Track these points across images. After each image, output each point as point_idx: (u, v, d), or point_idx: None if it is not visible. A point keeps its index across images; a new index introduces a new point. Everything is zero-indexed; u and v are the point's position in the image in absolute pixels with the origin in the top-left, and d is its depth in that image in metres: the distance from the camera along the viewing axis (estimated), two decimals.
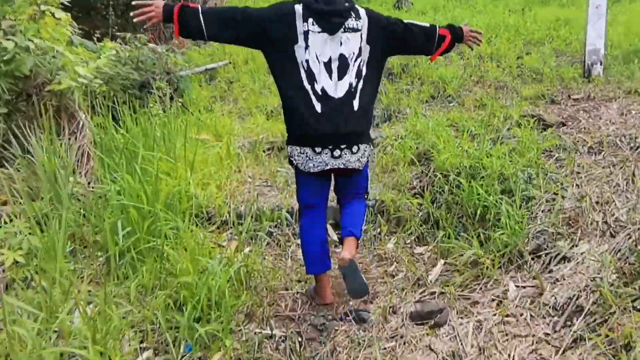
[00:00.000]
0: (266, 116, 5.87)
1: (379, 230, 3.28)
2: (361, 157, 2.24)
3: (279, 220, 3.28)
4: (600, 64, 5.51)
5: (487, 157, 3.35)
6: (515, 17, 9.15)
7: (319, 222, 2.35)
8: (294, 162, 2.24)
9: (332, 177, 2.38)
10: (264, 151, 4.63)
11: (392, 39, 2.27)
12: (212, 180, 3.62)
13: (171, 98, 5.12)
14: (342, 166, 2.19)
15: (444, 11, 10.97)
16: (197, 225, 3.00)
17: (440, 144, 3.75)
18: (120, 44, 5.59)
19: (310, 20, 2.07)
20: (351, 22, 2.13)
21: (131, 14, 2.04)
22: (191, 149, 3.60)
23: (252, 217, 3.14)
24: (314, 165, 2.17)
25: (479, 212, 2.98)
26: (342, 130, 2.12)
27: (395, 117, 5.42)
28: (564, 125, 4.23)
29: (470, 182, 3.16)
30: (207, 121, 5.04)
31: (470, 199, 3.07)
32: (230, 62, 8.01)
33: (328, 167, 2.18)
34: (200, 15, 2.04)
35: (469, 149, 3.55)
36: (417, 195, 3.45)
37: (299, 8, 2.08)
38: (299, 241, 2.76)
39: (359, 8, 2.21)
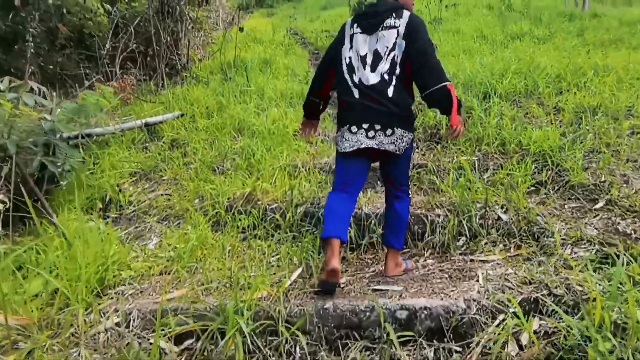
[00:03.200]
0: (210, 222, 2.93)
1: None
2: (396, 141, 2.22)
3: None
4: None
5: None
6: (596, 56, 6.40)
7: (343, 195, 2.28)
8: (337, 146, 2.34)
9: (370, 166, 2.39)
10: None
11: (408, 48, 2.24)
12: None
13: None
14: (375, 146, 2.20)
15: (479, 54, 8.35)
16: None
17: None
18: None
19: (355, 25, 2.35)
20: (389, 21, 2.26)
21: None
22: None
23: None
24: (349, 145, 2.24)
25: None
26: (376, 111, 2.19)
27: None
28: None
29: None
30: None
31: None
32: (182, 115, 5.19)
33: (363, 146, 2.21)
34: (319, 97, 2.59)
35: None
36: None
37: (349, 20, 2.43)
38: None
39: (404, 11, 2.30)
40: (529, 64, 6.27)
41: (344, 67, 2.29)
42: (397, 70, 2.21)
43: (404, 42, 2.20)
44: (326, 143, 4.39)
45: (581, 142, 3.64)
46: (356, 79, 2.24)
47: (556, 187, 3.18)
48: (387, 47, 2.21)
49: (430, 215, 2.90)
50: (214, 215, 3.08)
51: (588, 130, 3.86)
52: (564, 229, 2.59)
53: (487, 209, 2.83)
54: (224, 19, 13.16)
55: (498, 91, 5.39)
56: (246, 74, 6.25)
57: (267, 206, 3.10)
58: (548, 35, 10.62)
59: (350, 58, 2.28)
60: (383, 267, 2.45)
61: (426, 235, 2.82)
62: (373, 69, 2.22)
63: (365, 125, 2.20)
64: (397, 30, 2.21)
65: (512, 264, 2.38)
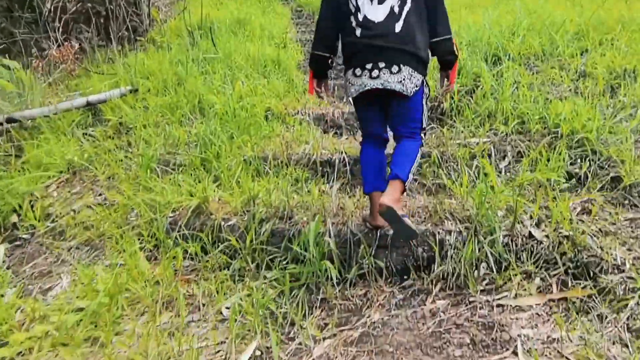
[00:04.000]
0: (145, 250, 2.16)
1: None
2: (404, 80, 2.03)
3: None
4: None
5: None
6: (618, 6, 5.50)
7: (374, 145, 2.24)
8: (348, 94, 2.21)
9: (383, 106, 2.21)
10: None
11: None
12: None
13: None
14: (380, 86, 2.03)
15: (481, 7, 7.40)
16: None
17: None
18: None
19: None
20: None
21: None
22: None
23: None
24: (355, 89, 2.10)
25: None
26: (378, 47, 2.01)
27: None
28: None
29: None
30: None
31: None
32: (132, 91, 4.30)
33: (367, 88, 2.05)
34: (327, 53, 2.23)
35: None
36: None
37: None
38: None
39: None
40: (543, 19, 5.36)
41: (351, 7, 2.07)
42: (409, 3, 2.03)
43: None
44: (305, 124, 3.56)
45: (626, 120, 2.85)
46: (360, 17, 2.05)
47: (600, 186, 2.42)
48: None
49: (439, 233, 2.15)
50: (152, 237, 2.30)
51: (631, 102, 3.06)
52: (628, 258, 1.84)
53: (516, 223, 2.08)
54: None
55: (509, 52, 4.52)
56: (211, 37, 5.28)
57: (223, 223, 2.33)
58: None
59: (356, 1, 2.06)
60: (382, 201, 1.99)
61: (434, 263, 2.07)
62: (380, 2, 2.03)
63: (368, 66, 2.03)
64: None
65: (559, 317, 1.65)
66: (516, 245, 2.05)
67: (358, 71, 2.06)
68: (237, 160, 2.86)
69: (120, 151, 3.31)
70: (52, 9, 5.79)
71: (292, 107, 3.93)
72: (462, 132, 3.34)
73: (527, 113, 3.27)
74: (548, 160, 2.62)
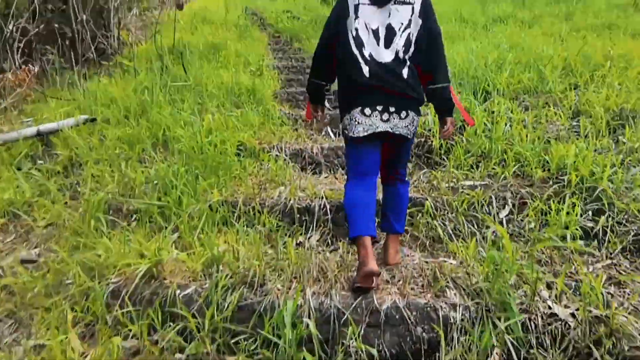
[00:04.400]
0: (81, 333, 1.69)
1: None
2: (409, 125, 2.09)
3: None
4: None
5: None
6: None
7: (363, 186, 2.11)
8: (346, 131, 2.13)
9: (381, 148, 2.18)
10: None
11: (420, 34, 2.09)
12: None
13: None
14: (390, 130, 2.04)
15: (462, 39, 7.30)
16: None
17: None
18: None
19: None
20: None
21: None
22: None
23: None
24: (363, 129, 2.04)
25: None
26: (390, 91, 2.02)
27: None
28: None
29: None
30: None
31: None
32: (89, 120, 3.84)
33: (378, 130, 2.03)
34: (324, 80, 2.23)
35: None
36: None
37: None
38: None
39: None
40: (529, 53, 5.20)
41: (351, 41, 2.04)
42: (412, 50, 2.04)
43: (420, 21, 2.02)
44: (281, 162, 3.18)
45: (634, 166, 2.57)
46: (366, 54, 2.02)
47: (622, 247, 2.10)
48: (402, 24, 2.02)
49: (442, 309, 1.77)
50: (87, 311, 1.85)
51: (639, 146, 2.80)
52: None
53: (534, 300, 1.72)
54: None
55: (497, 87, 4.30)
56: (182, 62, 4.90)
57: (178, 292, 1.89)
58: (533, 18, 9.67)
59: (357, 30, 2.04)
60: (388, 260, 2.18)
61: (439, 350, 1.68)
62: (387, 45, 2.02)
63: (379, 107, 2.03)
64: (412, 7, 2.03)
65: None
66: (535, 326, 1.69)
67: (368, 111, 2.03)
68: (201, 208, 2.44)
69: (67, 192, 2.85)
70: (14, 29, 5.32)
71: (267, 142, 3.55)
72: (454, 174, 3.02)
73: (526, 155, 2.98)
74: (557, 212, 2.30)
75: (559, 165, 2.72)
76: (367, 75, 2.00)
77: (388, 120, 2.03)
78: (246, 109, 4.00)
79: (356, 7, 2.04)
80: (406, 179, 2.30)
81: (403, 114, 2.03)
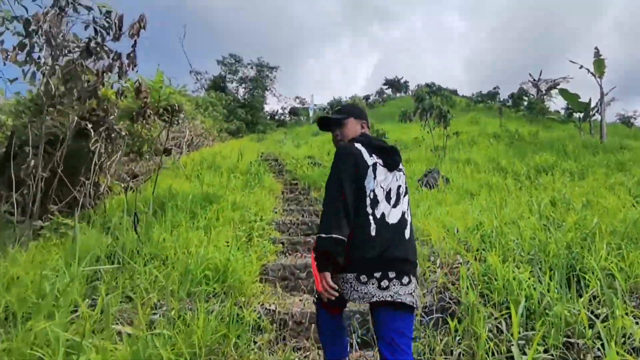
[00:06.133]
0: None
1: None
2: (413, 292, 1.90)
3: None
4: None
5: None
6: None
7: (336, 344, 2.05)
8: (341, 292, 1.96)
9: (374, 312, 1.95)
10: None
11: None
12: None
13: None
14: (389, 299, 1.82)
15: (504, 190, 5.94)
16: None
17: None
18: None
19: (374, 155, 2.05)
20: (400, 164, 2.15)
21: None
22: None
23: None
24: (359, 296, 1.86)
25: None
26: (392, 255, 1.88)
27: None
28: None
29: None
30: None
31: None
32: None
33: (374, 300, 1.83)
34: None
35: None
36: None
37: (359, 145, 2.05)
38: None
39: None
40: (616, 217, 3.64)
41: (367, 201, 1.93)
42: (409, 212, 2.01)
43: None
44: None
45: None
46: (378, 214, 1.93)
47: None
48: (403, 188, 2.06)
49: None
50: None
51: None
52: None
53: None
54: (191, 141, 11.11)
55: (591, 268, 2.67)
56: (134, 225, 3.52)
57: None
58: (581, 168, 8.39)
59: (374, 191, 1.95)
60: None
61: None
62: (395, 206, 1.98)
63: (377, 274, 1.83)
64: (403, 172, 2.12)
65: None
66: None
67: (363, 278, 1.83)
68: None
69: None
70: None
71: None
72: None
73: None
74: None
75: None
76: (373, 234, 1.87)
77: (387, 287, 1.82)
78: (210, 304, 2.44)
79: (374, 166, 1.98)
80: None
81: (405, 279, 1.85)
